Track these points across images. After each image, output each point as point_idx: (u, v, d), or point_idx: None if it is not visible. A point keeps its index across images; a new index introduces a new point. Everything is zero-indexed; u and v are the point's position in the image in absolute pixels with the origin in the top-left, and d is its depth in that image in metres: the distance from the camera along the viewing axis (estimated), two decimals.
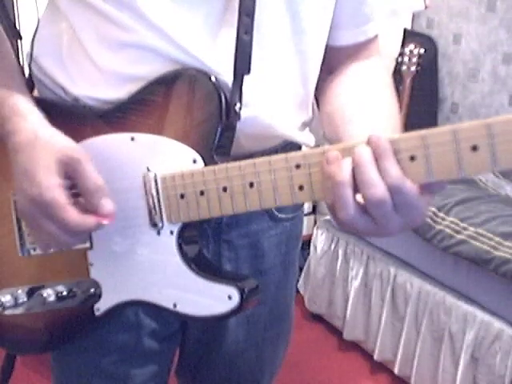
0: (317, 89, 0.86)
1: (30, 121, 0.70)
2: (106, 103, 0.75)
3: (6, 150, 0.73)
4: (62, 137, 0.69)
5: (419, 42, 2.59)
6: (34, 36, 0.82)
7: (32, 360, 2.07)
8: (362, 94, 0.81)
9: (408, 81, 2.57)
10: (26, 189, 0.66)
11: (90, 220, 0.66)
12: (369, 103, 0.80)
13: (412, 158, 0.57)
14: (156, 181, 0.71)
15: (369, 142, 0.59)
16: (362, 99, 0.80)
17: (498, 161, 0.54)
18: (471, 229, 1.83)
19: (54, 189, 0.65)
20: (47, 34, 0.80)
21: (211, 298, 0.71)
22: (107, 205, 0.67)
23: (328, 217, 2.44)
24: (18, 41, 0.88)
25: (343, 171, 0.59)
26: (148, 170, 0.71)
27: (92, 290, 0.77)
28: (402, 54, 2.57)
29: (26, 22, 2.01)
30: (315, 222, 2.62)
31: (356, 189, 0.59)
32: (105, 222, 0.67)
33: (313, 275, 2.42)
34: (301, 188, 0.63)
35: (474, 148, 0.55)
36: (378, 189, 0.57)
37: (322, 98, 0.86)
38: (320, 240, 2.40)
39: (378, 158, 0.58)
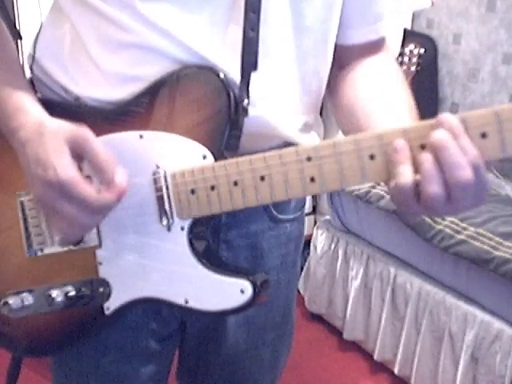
0: (328, 86, 0.86)
1: (33, 113, 0.70)
2: (108, 104, 0.75)
3: (10, 153, 0.73)
4: (66, 122, 0.68)
5: (419, 42, 2.59)
6: (37, 37, 0.82)
7: (32, 360, 2.06)
8: (378, 87, 0.82)
9: (408, 81, 2.57)
10: (41, 174, 0.65)
11: (108, 195, 0.65)
12: (387, 95, 0.80)
13: (483, 135, 0.58)
14: (165, 177, 0.72)
15: (440, 123, 0.58)
16: (380, 92, 0.81)
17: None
18: (471, 229, 1.83)
19: (68, 168, 0.64)
20: (50, 35, 0.81)
21: (223, 293, 0.72)
22: (121, 178, 0.65)
23: (328, 217, 2.44)
24: (18, 41, 0.88)
25: (433, 166, 0.58)
26: (157, 167, 0.72)
27: (101, 289, 0.76)
28: (402, 54, 2.57)
29: (26, 22, 2.01)
30: (315, 222, 2.62)
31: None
32: (122, 195, 0.65)
33: (313, 275, 2.42)
34: (312, 180, 0.64)
35: (484, 135, 0.56)
36: (465, 171, 0.58)
37: (335, 94, 0.86)
38: (320, 240, 2.40)
39: (454, 139, 0.58)
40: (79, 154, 0.66)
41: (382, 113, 0.76)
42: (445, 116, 0.59)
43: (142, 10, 0.71)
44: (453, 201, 0.60)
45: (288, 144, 0.82)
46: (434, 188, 0.59)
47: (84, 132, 0.66)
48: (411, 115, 0.76)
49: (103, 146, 0.66)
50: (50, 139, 0.66)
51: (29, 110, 0.71)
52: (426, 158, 0.59)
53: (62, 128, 0.67)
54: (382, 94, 0.80)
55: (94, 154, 0.65)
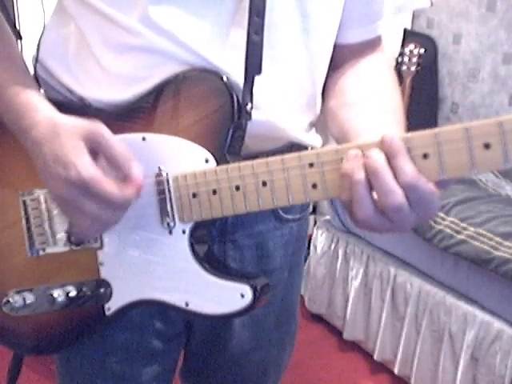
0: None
1: (45, 112, 0.70)
2: (112, 105, 0.75)
3: (12, 153, 0.73)
4: (79, 118, 0.68)
5: (419, 42, 2.59)
6: (41, 38, 0.82)
7: (33, 360, 2.06)
8: (366, 90, 0.82)
9: (408, 81, 2.57)
10: (62, 174, 0.65)
11: (129, 190, 0.65)
12: (373, 99, 0.80)
13: (425, 156, 0.58)
14: (168, 180, 0.72)
15: (382, 142, 0.59)
16: (366, 95, 0.81)
17: (509, 157, 0.55)
18: (471, 229, 1.83)
19: (89, 166, 0.65)
20: (54, 36, 0.81)
21: (223, 297, 0.72)
22: (138, 172, 0.66)
23: (328, 217, 2.44)
24: (18, 41, 0.88)
25: (361, 171, 0.59)
26: (159, 169, 0.72)
27: (102, 290, 0.77)
28: (402, 54, 2.57)
29: (26, 23, 2.01)
30: (315, 222, 2.62)
31: (372, 188, 0.60)
32: (140, 189, 0.66)
33: (313, 275, 2.42)
34: (314, 186, 0.64)
35: (487, 145, 0.55)
36: (395, 196, 0.58)
37: (326, 94, 0.86)
38: (320, 240, 2.40)
39: (392, 157, 0.59)
40: (95, 150, 0.66)
41: (364, 119, 0.76)
42: (388, 136, 0.59)
43: (151, 12, 0.71)
44: (391, 221, 0.61)
45: (295, 144, 0.82)
46: (366, 211, 0.60)
47: (99, 128, 0.66)
48: (397, 120, 0.76)
49: (119, 141, 0.66)
50: (67, 138, 0.66)
51: (39, 107, 0.71)
52: (359, 181, 0.60)
53: (76, 125, 0.67)
54: (368, 99, 0.80)
55: (110, 149, 0.65)
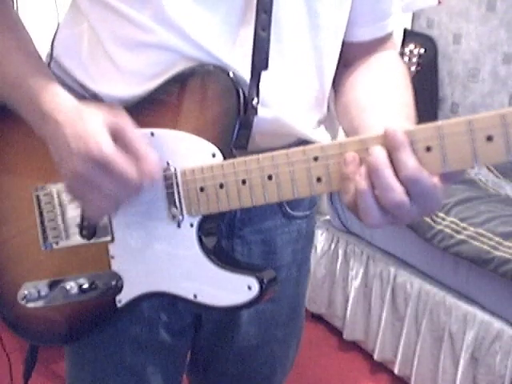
0: (333, 82, 0.87)
1: (68, 100, 0.72)
2: (124, 101, 0.76)
3: (25, 149, 0.74)
4: (102, 105, 0.70)
5: (419, 42, 2.59)
6: (55, 36, 0.84)
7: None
8: (377, 85, 0.82)
9: None
10: (83, 150, 0.66)
11: (144, 168, 0.68)
12: (384, 93, 0.80)
13: (428, 149, 0.58)
14: (176, 175, 0.73)
15: (385, 135, 0.59)
16: (377, 89, 0.81)
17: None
18: (471, 229, 1.83)
19: (111, 144, 0.67)
20: (68, 35, 0.82)
21: (231, 289, 0.73)
22: (155, 156, 0.68)
23: (328, 217, 2.44)
24: None
25: (364, 180, 0.60)
26: (168, 164, 0.73)
27: (113, 283, 0.78)
28: (401, 54, 2.57)
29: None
30: (315, 222, 2.63)
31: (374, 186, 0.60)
32: (155, 176, 0.69)
33: (313, 275, 2.41)
34: (319, 180, 0.65)
35: (489, 138, 0.55)
36: (396, 193, 0.58)
37: (338, 91, 0.87)
38: (320, 240, 2.41)
39: (394, 151, 0.59)
40: (114, 138, 0.68)
41: (374, 113, 0.77)
42: (391, 129, 0.59)
43: (164, 9, 0.72)
44: (394, 215, 0.61)
45: (303, 141, 0.82)
46: (370, 213, 0.60)
47: (123, 121, 0.68)
48: (407, 114, 0.76)
49: (140, 135, 0.69)
50: (90, 122, 0.68)
51: (61, 95, 0.72)
52: (363, 188, 0.60)
53: (101, 113, 0.69)
54: (378, 93, 0.81)
55: (133, 141, 0.68)
